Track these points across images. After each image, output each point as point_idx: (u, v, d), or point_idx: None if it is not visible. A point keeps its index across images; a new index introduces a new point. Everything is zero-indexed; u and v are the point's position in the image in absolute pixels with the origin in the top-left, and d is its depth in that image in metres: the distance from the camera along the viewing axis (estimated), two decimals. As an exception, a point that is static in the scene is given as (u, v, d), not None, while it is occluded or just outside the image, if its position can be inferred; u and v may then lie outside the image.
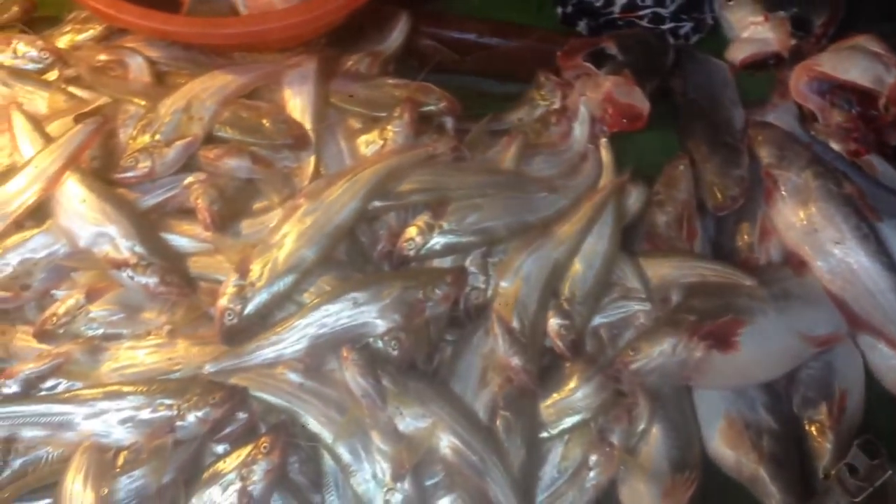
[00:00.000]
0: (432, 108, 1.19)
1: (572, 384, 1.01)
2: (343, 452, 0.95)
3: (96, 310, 1.00)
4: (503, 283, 1.05)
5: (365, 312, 0.99)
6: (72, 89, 1.17)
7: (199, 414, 0.93)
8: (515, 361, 1.00)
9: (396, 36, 1.34)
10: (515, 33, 1.39)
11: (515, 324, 1.02)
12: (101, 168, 1.07)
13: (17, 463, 0.93)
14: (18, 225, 1.02)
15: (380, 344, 0.99)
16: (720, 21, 1.42)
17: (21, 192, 1.03)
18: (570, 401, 1.01)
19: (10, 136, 1.08)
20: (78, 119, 1.10)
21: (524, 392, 1.00)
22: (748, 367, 1.04)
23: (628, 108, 1.19)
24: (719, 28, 1.42)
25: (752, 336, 1.03)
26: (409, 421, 0.96)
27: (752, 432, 1.01)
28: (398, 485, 0.93)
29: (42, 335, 0.99)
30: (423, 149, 1.12)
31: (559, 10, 1.42)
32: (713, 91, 1.30)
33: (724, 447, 1.01)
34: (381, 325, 0.99)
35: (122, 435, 0.92)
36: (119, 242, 1.01)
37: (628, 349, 1.02)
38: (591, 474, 0.99)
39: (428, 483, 0.95)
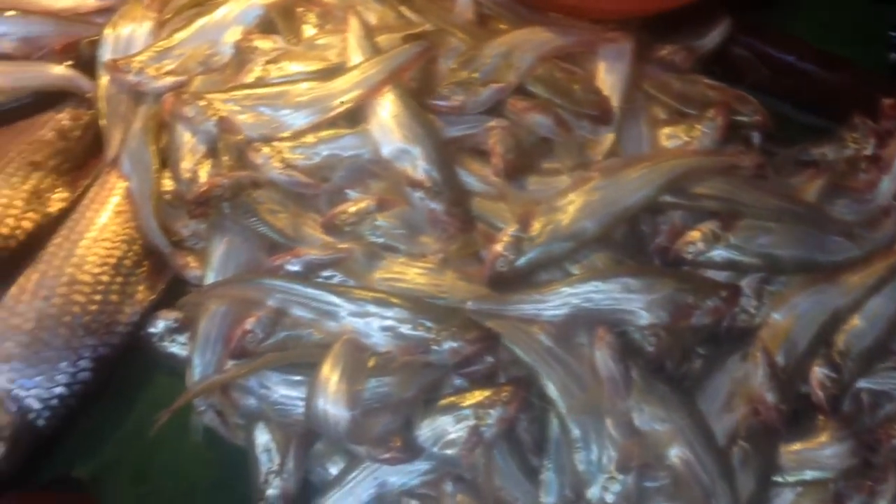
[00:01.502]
0: (745, 119, 1.19)
1: (822, 439, 0.99)
2: (573, 427, 0.97)
3: (382, 219, 1.06)
4: (775, 315, 1.04)
5: (634, 300, 1.00)
6: (402, 9, 1.25)
7: (455, 345, 0.98)
8: (770, 397, 0.98)
9: (714, 37, 1.32)
10: (837, 65, 1.34)
11: (779, 359, 1.00)
12: (417, 91, 1.14)
13: (281, 335, 1.02)
14: (333, 121, 1.12)
15: (637, 336, 1.01)
16: None
17: (343, 92, 1.10)
18: (816, 454, 0.98)
19: (343, 38, 1.16)
20: (407, 39, 1.17)
21: (769, 429, 0.98)
22: None
23: (956, 179, 1.13)
24: None
25: None
26: (647, 420, 0.97)
27: None
28: (621, 476, 0.95)
29: (330, 227, 1.06)
30: (728, 157, 1.11)
31: (893, 56, 1.36)
32: None
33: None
34: (646, 318, 1.00)
35: (380, 340, 0.99)
36: (419, 164, 1.07)
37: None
38: (816, 534, 0.97)
39: (649, 485, 0.97)
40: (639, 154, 1.12)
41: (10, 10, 1.22)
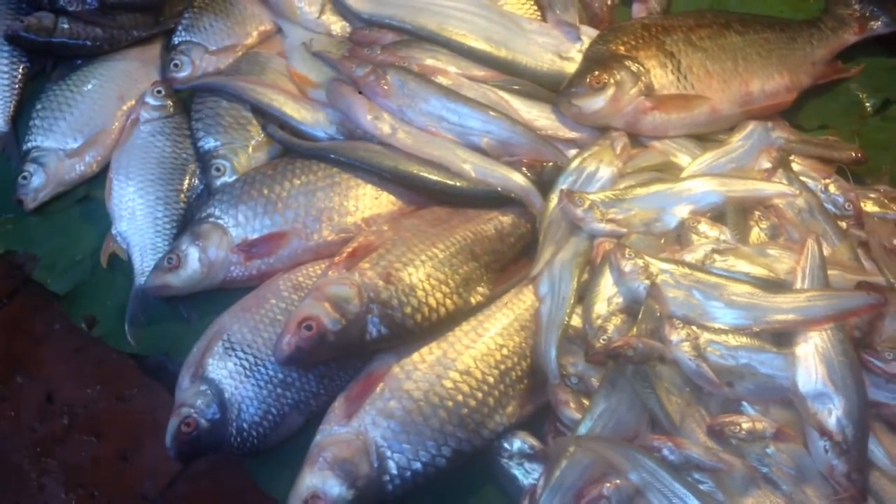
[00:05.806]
0: None
1: None
2: None
3: (774, 449, 1.08)
4: None
5: None
6: (860, 252, 1.27)
7: None
8: None
9: None
10: None
11: None
12: (856, 340, 1.14)
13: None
14: (760, 333, 1.14)
15: None
16: None
17: (782, 311, 1.14)
18: None
19: (796, 259, 1.19)
20: (860, 286, 1.18)
21: None
22: None
23: None
24: None
25: None
26: None
27: None
28: None
29: (716, 433, 1.09)
30: None
31: None
32: None
33: None
34: None
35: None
36: (835, 414, 1.08)
37: None
38: None
39: None
40: None
41: (496, 111, 1.41)
